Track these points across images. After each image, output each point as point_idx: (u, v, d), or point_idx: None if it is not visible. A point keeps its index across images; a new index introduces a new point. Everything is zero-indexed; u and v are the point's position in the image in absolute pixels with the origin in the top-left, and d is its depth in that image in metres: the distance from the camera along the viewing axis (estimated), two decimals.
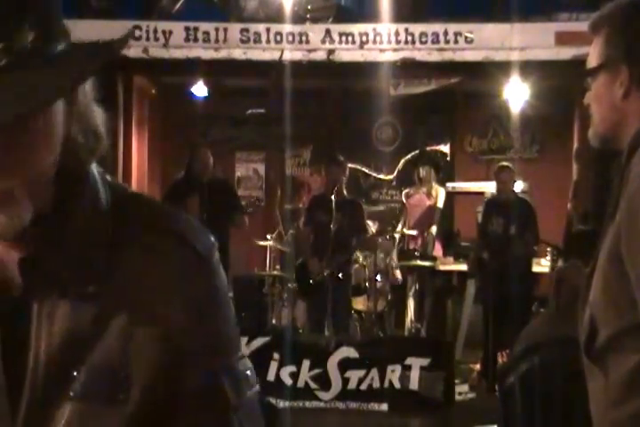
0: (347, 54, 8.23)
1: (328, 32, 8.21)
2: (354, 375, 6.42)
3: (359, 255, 8.05)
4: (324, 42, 8.20)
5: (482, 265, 7.63)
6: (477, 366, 7.63)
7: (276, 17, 8.41)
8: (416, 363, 6.38)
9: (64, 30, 0.94)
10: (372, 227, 8.52)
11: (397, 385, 6.40)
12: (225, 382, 1.05)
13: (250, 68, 8.42)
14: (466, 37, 8.07)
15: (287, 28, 8.19)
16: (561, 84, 8.56)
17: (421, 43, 8.13)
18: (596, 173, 7.89)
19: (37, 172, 0.94)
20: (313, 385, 6.45)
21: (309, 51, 8.21)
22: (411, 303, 8.64)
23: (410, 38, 8.14)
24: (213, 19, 8.53)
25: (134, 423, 1.00)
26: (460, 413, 6.34)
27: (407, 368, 6.39)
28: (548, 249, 7.60)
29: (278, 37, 8.18)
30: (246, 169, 10.93)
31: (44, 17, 0.91)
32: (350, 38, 8.20)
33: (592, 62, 1.66)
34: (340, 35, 8.20)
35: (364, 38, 8.19)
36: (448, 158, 10.67)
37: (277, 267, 8.79)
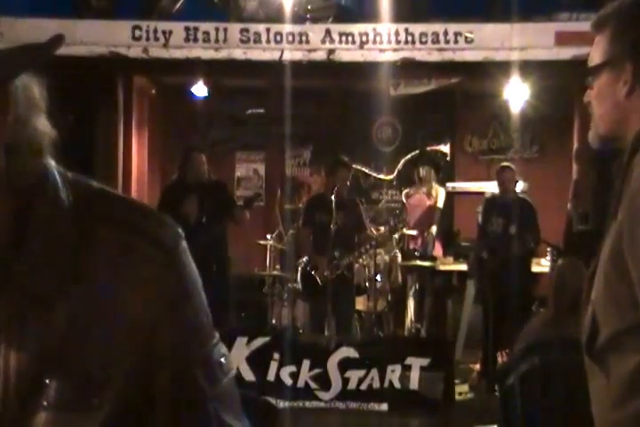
0: (347, 54, 8.22)
1: (328, 32, 8.21)
2: (354, 375, 6.42)
3: (363, 255, 8.04)
4: (324, 42, 8.20)
5: (481, 265, 7.63)
6: (477, 366, 7.63)
7: (276, 17, 8.41)
8: (416, 363, 6.38)
9: None
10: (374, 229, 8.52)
11: (397, 385, 6.40)
12: (198, 372, 1.04)
13: (250, 68, 8.42)
14: (466, 37, 8.07)
15: (287, 28, 8.18)
16: (561, 84, 8.56)
17: (421, 43, 8.13)
18: (596, 173, 7.89)
19: None
20: (313, 385, 6.45)
21: (309, 51, 8.21)
22: (411, 303, 8.65)
23: (410, 38, 8.14)
24: (213, 19, 8.52)
25: (111, 424, 0.99)
26: (460, 413, 6.34)
27: (407, 368, 6.39)
28: (548, 249, 7.60)
29: (278, 37, 8.18)
30: (246, 169, 10.92)
31: None
32: (350, 38, 8.20)
33: (595, 60, 1.66)
34: (340, 35, 8.19)
35: (364, 38, 8.18)
36: (448, 158, 10.67)
37: (277, 267, 8.79)
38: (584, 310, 1.57)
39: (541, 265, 8.06)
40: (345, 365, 6.44)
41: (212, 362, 1.07)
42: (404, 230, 8.68)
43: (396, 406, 6.35)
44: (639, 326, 1.46)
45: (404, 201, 9.31)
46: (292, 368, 6.47)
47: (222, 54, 8.22)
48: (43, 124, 1.01)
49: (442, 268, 8.69)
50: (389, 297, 8.50)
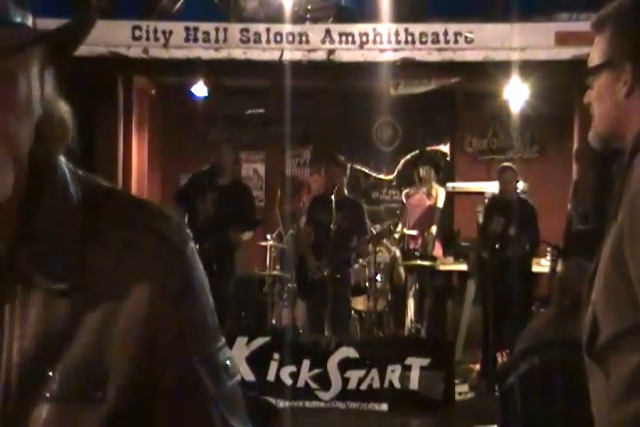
0: (347, 54, 8.23)
1: (328, 32, 8.21)
2: (354, 375, 6.42)
3: (362, 255, 8.04)
4: (324, 42, 8.20)
5: (481, 264, 7.63)
6: (477, 366, 7.63)
7: (276, 17, 8.41)
8: (416, 363, 6.38)
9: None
10: (375, 229, 8.52)
11: (397, 385, 6.39)
12: (202, 373, 1.04)
13: (250, 68, 8.42)
14: (466, 37, 8.08)
15: (287, 28, 8.19)
16: (561, 84, 8.56)
17: (421, 43, 8.13)
18: (596, 173, 7.89)
19: (19, 140, 0.95)
20: (313, 385, 6.45)
21: (309, 51, 8.22)
22: (411, 303, 8.64)
23: (410, 38, 8.14)
24: (213, 19, 8.53)
25: (114, 420, 0.99)
26: (460, 413, 6.34)
27: (407, 368, 6.39)
28: (548, 249, 7.60)
29: (278, 37, 8.18)
30: (246, 169, 10.93)
31: None
32: (350, 38, 8.20)
33: (595, 60, 1.66)
34: (340, 35, 8.20)
35: (364, 38, 8.19)
36: (448, 158, 10.67)
37: (277, 267, 8.79)
38: (584, 311, 1.57)
39: (541, 265, 8.05)
40: (345, 365, 6.44)
41: (216, 363, 1.06)
42: (405, 230, 8.68)
43: (396, 406, 6.34)
44: (639, 326, 1.46)
45: (404, 201, 9.30)
46: (292, 368, 6.47)
47: (222, 54, 8.22)
48: (66, 111, 1.03)
49: (442, 268, 8.68)
50: (389, 297, 8.50)
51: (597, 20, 1.66)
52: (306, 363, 6.46)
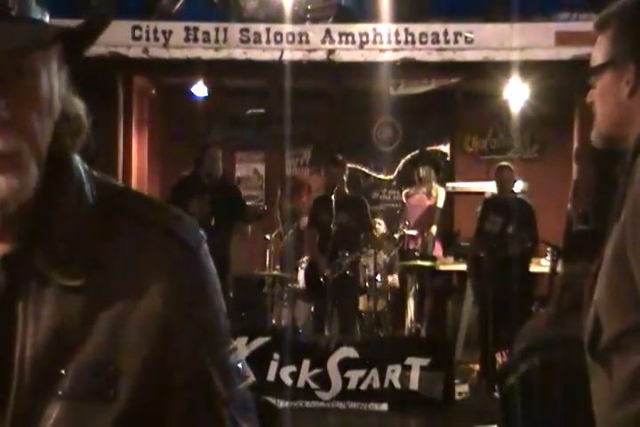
0: (347, 54, 8.22)
1: (328, 32, 8.20)
2: (354, 375, 6.42)
3: (365, 254, 8.04)
4: (324, 42, 8.19)
5: (478, 264, 7.62)
6: (477, 366, 7.63)
7: (276, 17, 8.40)
8: (416, 363, 6.38)
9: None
10: (381, 226, 8.52)
11: (397, 385, 6.40)
12: (214, 374, 1.04)
13: (250, 68, 8.41)
14: (466, 37, 8.07)
15: (287, 28, 8.18)
16: (561, 84, 8.56)
17: (421, 43, 8.12)
18: (597, 173, 7.88)
19: (41, 137, 0.96)
20: (313, 385, 6.45)
21: (309, 51, 8.21)
22: (411, 303, 8.64)
23: (410, 38, 8.13)
24: (213, 19, 8.52)
25: (125, 419, 0.99)
26: (460, 413, 6.34)
27: (407, 368, 6.39)
28: (548, 249, 7.60)
29: (278, 37, 8.18)
30: (246, 169, 10.93)
31: None
32: (350, 38, 8.19)
33: (597, 60, 1.65)
34: (340, 35, 8.19)
35: (364, 38, 8.18)
36: (448, 158, 10.67)
37: (277, 267, 8.79)
38: (586, 311, 1.57)
39: (541, 265, 8.05)
40: (345, 365, 6.44)
41: (228, 366, 1.06)
42: (405, 230, 8.68)
43: (396, 406, 6.35)
44: None
45: (404, 201, 9.30)
46: (292, 368, 6.47)
47: (222, 54, 8.21)
48: (81, 108, 1.05)
49: (442, 268, 8.68)
50: (389, 297, 8.50)
51: (600, 19, 1.66)
52: (306, 363, 6.46)
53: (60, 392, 0.97)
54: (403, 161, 10.61)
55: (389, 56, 8.22)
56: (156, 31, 8.15)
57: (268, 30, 8.19)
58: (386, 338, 7.91)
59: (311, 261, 7.70)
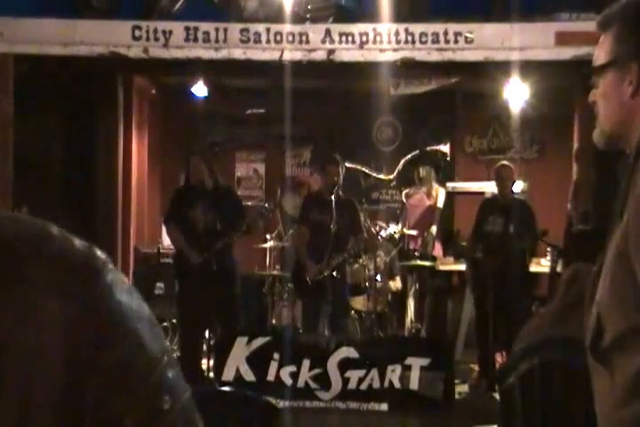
0: (347, 54, 8.21)
1: (328, 32, 8.20)
2: (354, 375, 6.42)
3: (362, 256, 8.02)
4: (324, 42, 8.18)
5: (476, 265, 7.61)
6: (477, 366, 7.63)
7: (276, 17, 8.39)
8: (416, 363, 6.38)
9: None
10: (386, 230, 8.48)
11: (397, 385, 6.39)
12: (129, 422, 0.88)
13: (250, 68, 8.41)
14: (466, 37, 8.06)
15: (287, 28, 8.17)
16: (561, 84, 8.56)
17: (421, 43, 8.12)
18: (597, 173, 7.88)
19: None
20: (313, 385, 6.45)
21: (309, 51, 8.20)
22: (411, 303, 8.64)
23: (410, 38, 8.13)
24: (213, 19, 8.51)
25: None
26: (460, 413, 6.34)
27: (407, 368, 6.39)
28: (548, 249, 7.60)
29: (278, 37, 8.17)
30: (246, 169, 10.93)
31: None
32: (350, 38, 8.19)
33: (600, 59, 1.65)
34: (340, 35, 8.18)
35: (364, 38, 8.18)
36: (448, 158, 10.66)
37: (277, 267, 8.79)
38: (588, 311, 1.57)
39: (541, 265, 8.05)
40: (345, 365, 6.44)
41: (151, 404, 0.90)
42: (405, 230, 8.69)
43: (396, 406, 6.35)
44: None
45: (404, 201, 9.30)
46: (292, 368, 6.47)
47: (222, 54, 8.21)
48: None
49: (442, 268, 8.69)
50: (389, 297, 8.50)
51: (603, 18, 1.66)
52: (306, 363, 6.46)
53: None
54: (403, 161, 10.60)
55: (389, 56, 8.21)
56: (156, 31, 8.14)
57: (268, 30, 8.19)
58: (386, 338, 7.91)
59: (297, 260, 7.60)
